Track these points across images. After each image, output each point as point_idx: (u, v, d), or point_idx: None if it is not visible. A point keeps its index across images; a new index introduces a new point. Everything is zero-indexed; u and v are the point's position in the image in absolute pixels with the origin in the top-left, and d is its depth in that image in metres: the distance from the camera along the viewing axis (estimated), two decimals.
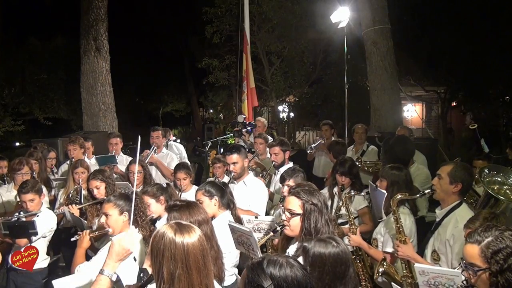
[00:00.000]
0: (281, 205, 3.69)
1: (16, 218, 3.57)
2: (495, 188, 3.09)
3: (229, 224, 2.80)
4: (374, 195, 3.07)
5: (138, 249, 2.85)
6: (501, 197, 2.99)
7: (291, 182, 3.40)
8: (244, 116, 6.76)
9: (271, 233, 2.59)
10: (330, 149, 5.27)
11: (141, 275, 2.15)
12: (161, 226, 1.76)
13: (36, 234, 3.42)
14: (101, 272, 2.02)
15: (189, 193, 4.10)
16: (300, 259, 2.17)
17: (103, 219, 2.86)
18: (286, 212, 2.39)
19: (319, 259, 1.82)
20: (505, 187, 3.12)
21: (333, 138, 6.48)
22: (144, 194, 3.41)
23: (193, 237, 1.71)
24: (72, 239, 2.98)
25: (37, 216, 3.62)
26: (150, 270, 2.20)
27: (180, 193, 4.13)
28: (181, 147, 6.72)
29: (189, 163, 4.60)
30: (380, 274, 2.69)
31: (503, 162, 4.88)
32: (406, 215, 3.07)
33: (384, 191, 2.87)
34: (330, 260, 1.81)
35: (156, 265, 1.67)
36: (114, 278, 2.03)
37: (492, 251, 1.71)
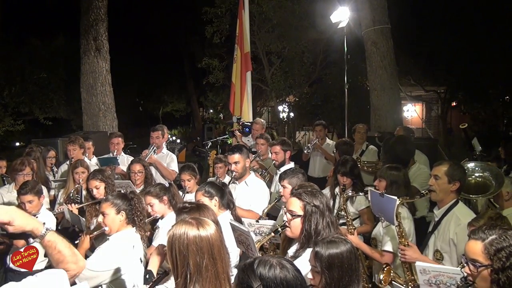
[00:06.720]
0: (277, 205, 3.70)
1: None
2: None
3: (230, 223, 2.81)
4: (381, 202, 2.95)
5: (141, 249, 2.86)
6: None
7: (285, 183, 3.36)
8: (239, 117, 6.75)
9: (272, 234, 2.60)
10: (337, 148, 5.23)
11: (147, 276, 2.19)
12: (176, 224, 1.78)
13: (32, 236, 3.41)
14: (42, 237, 1.82)
15: (194, 195, 4.10)
16: (299, 261, 2.18)
17: (100, 218, 2.87)
18: (288, 213, 2.39)
19: (337, 259, 1.84)
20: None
21: (327, 139, 6.50)
22: (147, 194, 3.43)
23: (213, 229, 1.77)
24: (76, 242, 3.00)
25: (36, 217, 3.61)
26: (155, 272, 2.24)
27: (184, 194, 4.13)
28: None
29: (192, 165, 4.58)
30: (383, 281, 2.67)
31: (496, 161, 4.85)
32: (404, 215, 3.07)
33: (395, 198, 2.80)
34: (346, 258, 1.85)
35: (179, 260, 1.70)
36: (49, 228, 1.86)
37: (496, 249, 1.73)
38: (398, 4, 10.58)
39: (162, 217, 3.42)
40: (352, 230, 3.28)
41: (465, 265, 1.85)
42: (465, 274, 1.87)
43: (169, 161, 5.54)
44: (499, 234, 1.77)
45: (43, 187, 4.46)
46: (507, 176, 4.20)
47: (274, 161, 4.55)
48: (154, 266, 2.28)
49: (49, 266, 3.85)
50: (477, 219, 2.44)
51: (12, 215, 1.75)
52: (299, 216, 2.35)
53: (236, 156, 3.95)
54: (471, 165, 3.44)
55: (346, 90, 9.24)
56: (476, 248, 1.79)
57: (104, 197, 3.15)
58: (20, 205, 3.70)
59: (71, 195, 4.22)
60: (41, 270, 3.67)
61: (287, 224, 2.40)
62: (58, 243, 1.83)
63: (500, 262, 1.71)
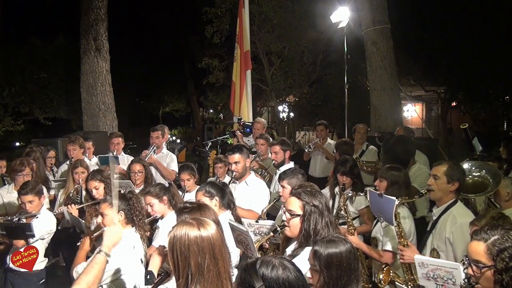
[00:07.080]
0: (276, 205, 3.69)
1: (16, 219, 3.57)
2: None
3: (229, 223, 2.82)
4: (380, 203, 2.94)
5: (142, 249, 2.86)
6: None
7: (285, 183, 3.36)
8: (239, 117, 6.76)
9: (271, 234, 2.60)
10: (337, 148, 5.23)
11: (148, 276, 2.19)
12: (177, 225, 1.79)
13: (33, 236, 3.41)
14: (99, 251, 2.16)
15: (193, 194, 4.10)
16: (297, 260, 2.18)
17: (99, 219, 2.87)
18: (287, 213, 2.39)
19: (336, 259, 1.84)
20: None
21: (328, 139, 6.50)
22: (147, 194, 3.43)
23: (213, 228, 1.77)
24: (78, 244, 3.00)
25: (36, 217, 3.61)
26: (155, 272, 2.24)
27: (183, 194, 4.13)
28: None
29: (192, 165, 4.59)
30: (382, 281, 2.67)
31: (497, 161, 4.85)
32: (405, 215, 3.08)
33: (394, 198, 2.79)
34: (346, 257, 1.85)
35: (181, 261, 1.71)
36: (108, 259, 2.18)
37: (498, 249, 1.73)
38: (398, 4, 10.58)
39: (162, 217, 3.43)
40: (352, 230, 3.28)
41: (468, 266, 1.84)
42: (468, 275, 1.86)
43: (169, 161, 5.54)
44: (501, 234, 1.76)
45: (43, 187, 4.48)
46: (507, 176, 4.20)
47: (273, 161, 4.55)
48: (154, 267, 2.28)
49: (49, 266, 3.87)
50: (479, 219, 2.43)
51: (115, 226, 2.38)
52: (298, 215, 2.35)
53: (236, 156, 3.95)
54: (466, 165, 3.42)
55: (346, 90, 9.25)
56: (479, 248, 1.78)
57: (103, 198, 3.15)
58: (21, 205, 3.70)
59: (71, 195, 4.22)
60: (41, 270, 3.72)
61: (286, 223, 2.40)
62: (101, 266, 2.12)
63: (503, 262, 1.71)
